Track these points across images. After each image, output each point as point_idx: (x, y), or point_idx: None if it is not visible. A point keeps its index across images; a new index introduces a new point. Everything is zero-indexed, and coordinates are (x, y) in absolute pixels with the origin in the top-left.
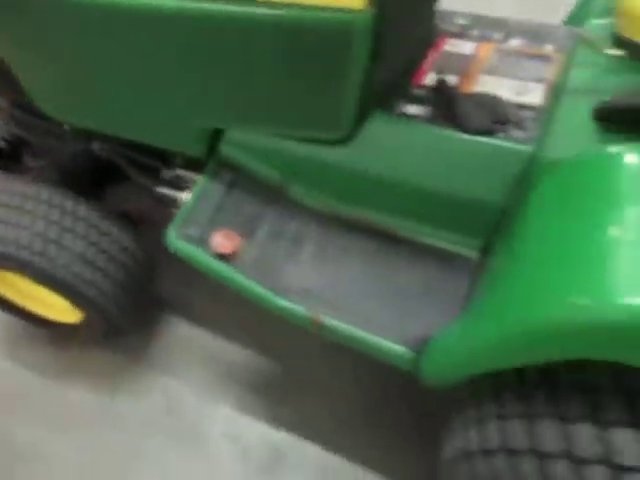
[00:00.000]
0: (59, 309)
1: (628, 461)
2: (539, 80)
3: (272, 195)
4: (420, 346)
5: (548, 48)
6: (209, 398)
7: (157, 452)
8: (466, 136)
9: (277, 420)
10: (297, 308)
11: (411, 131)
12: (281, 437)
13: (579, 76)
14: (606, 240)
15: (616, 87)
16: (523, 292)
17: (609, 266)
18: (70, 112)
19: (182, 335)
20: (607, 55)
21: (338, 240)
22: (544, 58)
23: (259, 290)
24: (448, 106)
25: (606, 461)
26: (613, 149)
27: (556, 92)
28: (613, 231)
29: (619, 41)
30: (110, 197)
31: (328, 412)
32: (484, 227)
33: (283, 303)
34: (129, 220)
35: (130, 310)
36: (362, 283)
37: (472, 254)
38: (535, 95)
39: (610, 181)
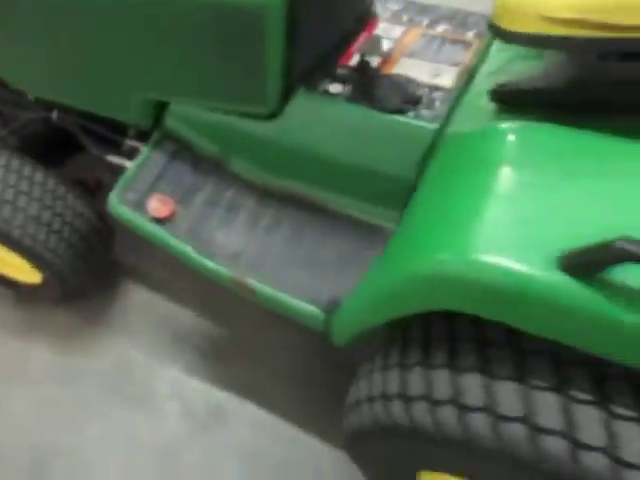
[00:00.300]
0: (21, 269)
1: (508, 411)
2: (455, 64)
3: (211, 167)
4: (331, 307)
5: (470, 35)
6: (159, 360)
7: (105, 408)
8: (379, 114)
9: (220, 381)
10: (224, 270)
11: (331, 108)
12: (223, 396)
13: (492, 61)
14: (475, 204)
15: (520, 71)
16: (407, 248)
17: (472, 227)
18: (29, 82)
19: (139, 300)
20: None
21: (270, 210)
22: (464, 44)
23: (190, 253)
24: (366, 86)
25: (488, 409)
26: (495, 125)
27: (468, 75)
28: (482, 197)
29: (492, 29)
30: (69, 166)
31: (267, 374)
32: (399, 199)
33: (211, 265)
34: (86, 188)
35: (86, 274)
36: (286, 251)
37: (389, 225)
38: (448, 78)
39: (487, 153)
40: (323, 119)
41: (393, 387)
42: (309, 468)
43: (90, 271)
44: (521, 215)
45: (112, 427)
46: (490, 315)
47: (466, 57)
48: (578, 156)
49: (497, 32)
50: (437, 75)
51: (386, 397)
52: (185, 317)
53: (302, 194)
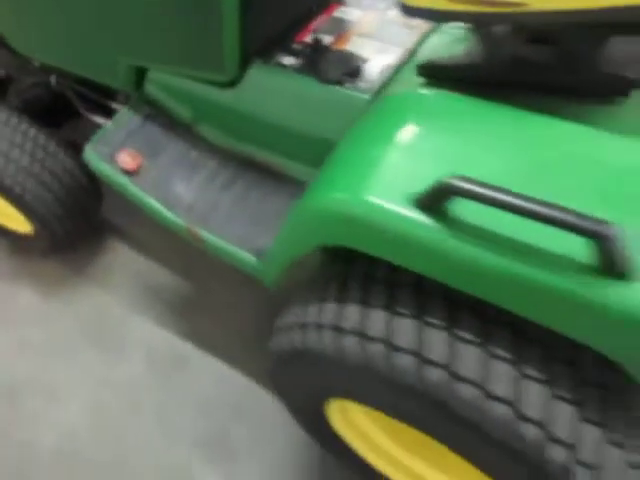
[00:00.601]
0: (15, 219)
1: (401, 342)
2: (399, 44)
3: (181, 130)
4: (261, 253)
5: (419, 20)
6: (133, 311)
7: (79, 349)
8: (321, 84)
9: (186, 334)
10: (179, 221)
11: (280, 78)
12: (187, 347)
13: (431, 42)
14: (374, 152)
15: (448, 51)
16: (315, 189)
17: (364, 171)
18: (32, 47)
19: (122, 257)
20: (460, 26)
21: (227, 171)
22: (412, 27)
23: (151, 203)
24: (314, 59)
25: (385, 341)
26: (408, 90)
27: (408, 54)
28: (381, 147)
29: (398, 5)
30: (66, 129)
31: (230, 330)
32: None
33: (168, 215)
34: (78, 150)
35: (72, 227)
36: (235, 207)
37: None
38: (390, 56)
39: (396, 112)
40: (273, 88)
41: (327, 317)
42: (257, 413)
43: (77, 226)
44: (407, 164)
45: (83, 367)
46: (369, 249)
47: (410, 39)
48: (469, 121)
49: (402, 8)
50: (381, 53)
51: (319, 325)
52: (161, 275)
53: (256, 157)
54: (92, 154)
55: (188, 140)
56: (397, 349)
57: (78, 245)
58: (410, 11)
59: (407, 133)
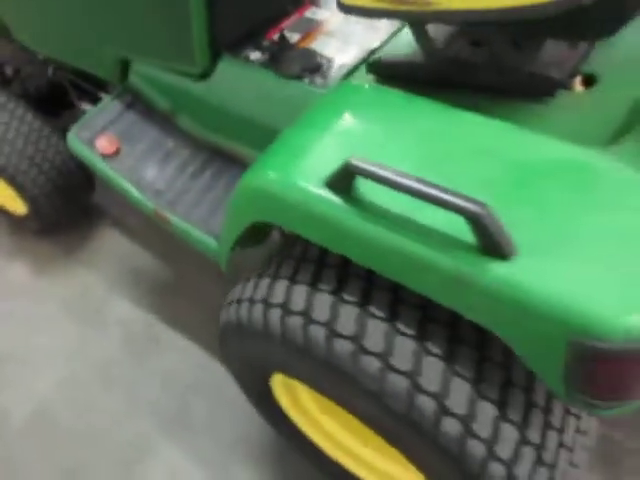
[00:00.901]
0: (12, 199)
1: (316, 316)
2: (361, 44)
3: (160, 119)
4: (218, 237)
5: (384, 21)
6: (115, 291)
7: (59, 325)
8: (280, 78)
9: (163, 316)
10: (148, 204)
11: (245, 72)
12: (162, 328)
13: (395, 42)
14: (306, 136)
15: (401, 50)
16: (252, 168)
17: (293, 154)
18: (32, 40)
19: (110, 241)
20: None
21: (198, 160)
22: (375, 28)
23: (125, 186)
24: (278, 55)
25: (304, 314)
26: (349, 83)
27: (369, 54)
28: (314, 132)
29: (337, 4)
30: (64, 118)
31: (205, 314)
32: None
33: (139, 198)
34: None
35: (63, 209)
36: (202, 193)
37: None
38: (351, 55)
39: (334, 101)
40: (238, 81)
41: (260, 293)
42: (219, 389)
43: (68, 208)
44: (328, 149)
45: (62, 340)
46: (286, 225)
47: (373, 39)
48: (392, 113)
49: (339, 5)
50: (342, 51)
51: (252, 300)
52: (144, 260)
53: (224, 147)
54: (74, 138)
55: (166, 129)
56: (313, 322)
57: (69, 228)
58: (345, 9)
59: (335, 121)
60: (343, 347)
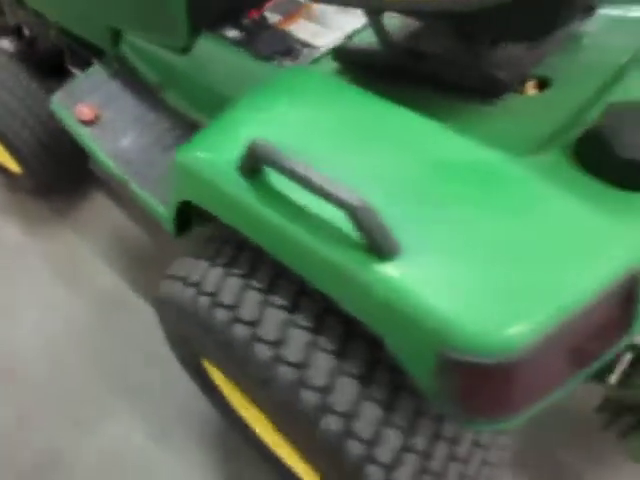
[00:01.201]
0: (8, 158)
1: (206, 287)
2: (341, 30)
3: (145, 90)
4: None
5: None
6: (99, 256)
7: (40, 280)
8: (251, 58)
9: (140, 284)
10: (117, 171)
11: (218, 49)
12: (134, 294)
13: (369, 31)
14: (240, 118)
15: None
16: (188, 143)
17: (227, 134)
18: (38, 3)
19: (101, 208)
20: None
21: (175, 133)
22: (355, 14)
23: (98, 152)
24: (254, 35)
25: (197, 286)
26: (300, 67)
27: (345, 39)
28: (248, 115)
29: None
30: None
31: None
32: None
33: (110, 164)
34: None
35: (55, 172)
36: (166, 166)
37: None
38: (324, 40)
39: (274, 86)
40: (213, 57)
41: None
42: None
43: (61, 172)
44: (254, 130)
45: (43, 297)
46: (204, 206)
47: (354, 25)
48: (325, 101)
49: None
50: (317, 36)
51: (172, 277)
52: (133, 230)
53: (204, 123)
54: (56, 102)
55: (149, 102)
56: (202, 293)
57: (64, 192)
58: None
59: (266, 105)
60: (221, 315)
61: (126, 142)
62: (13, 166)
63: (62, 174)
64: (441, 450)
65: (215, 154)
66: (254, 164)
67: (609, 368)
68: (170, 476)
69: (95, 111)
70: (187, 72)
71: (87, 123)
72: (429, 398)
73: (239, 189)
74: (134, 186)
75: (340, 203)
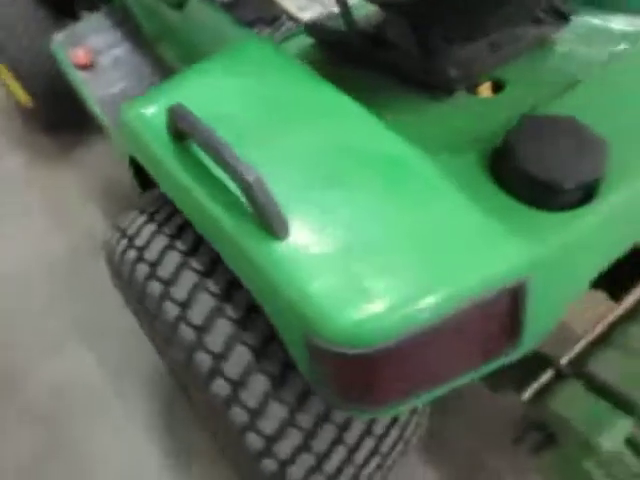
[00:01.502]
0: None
1: (147, 256)
2: (328, 6)
3: (145, 45)
4: None
5: None
6: (91, 202)
7: (29, 220)
8: (233, 23)
9: None
10: (102, 117)
11: (204, 10)
12: None
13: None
14: (187, 82)
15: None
16: (137, 99)
17: (171, 96)
18: None
19: (101, 157)
20: None
21: None
22: None
23: (86, 95)
24: (241, 0)
25: (139, 249)
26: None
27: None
28: (194, 80)
29: None
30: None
31: None
32: None
33: (97, 110)
34: None
35: (62, 109)
36: None
37: None
38: (308, 13)
39: (229, 55)
40: (202, 18)
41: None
42: None
43: (66, 108)
44: (195, 96)
45: (27, 233)
46: (141, 163)
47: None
48: (266, 76)
49: None
50: (302, 9)
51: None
52: (127, 184)
53: None
54: (56, 44)
55: (147, 55)
56: (132, 247)
57: (68, 133)
58: None
59: (213, 72)
60: (155, 289)
61: (115, 90)
62: (24, 98)
63: (69, 110)
64: (327, 432)
65: (153, 114)
66: (175, 129)
67: (527, 382)
68: (113, 418)
69: (90, 56)
70: (179, 29)
71: (81, 67)
72: (310, 383)
73: (165, 152)
74: (112, 128)
75: (237, 177)
